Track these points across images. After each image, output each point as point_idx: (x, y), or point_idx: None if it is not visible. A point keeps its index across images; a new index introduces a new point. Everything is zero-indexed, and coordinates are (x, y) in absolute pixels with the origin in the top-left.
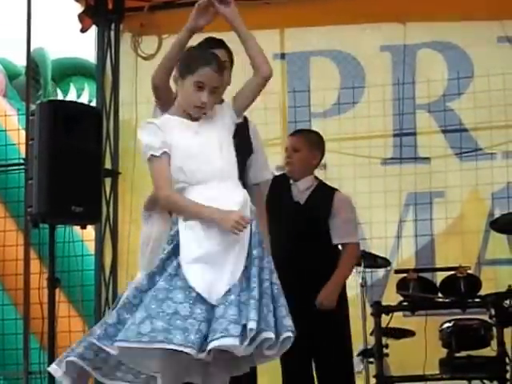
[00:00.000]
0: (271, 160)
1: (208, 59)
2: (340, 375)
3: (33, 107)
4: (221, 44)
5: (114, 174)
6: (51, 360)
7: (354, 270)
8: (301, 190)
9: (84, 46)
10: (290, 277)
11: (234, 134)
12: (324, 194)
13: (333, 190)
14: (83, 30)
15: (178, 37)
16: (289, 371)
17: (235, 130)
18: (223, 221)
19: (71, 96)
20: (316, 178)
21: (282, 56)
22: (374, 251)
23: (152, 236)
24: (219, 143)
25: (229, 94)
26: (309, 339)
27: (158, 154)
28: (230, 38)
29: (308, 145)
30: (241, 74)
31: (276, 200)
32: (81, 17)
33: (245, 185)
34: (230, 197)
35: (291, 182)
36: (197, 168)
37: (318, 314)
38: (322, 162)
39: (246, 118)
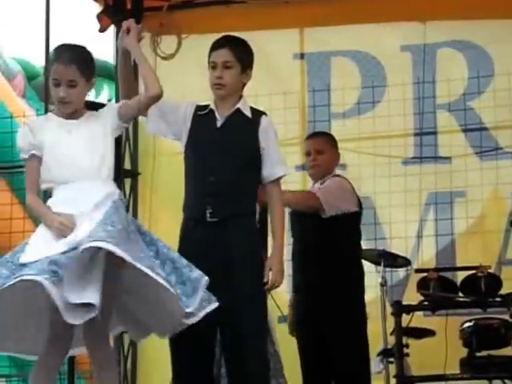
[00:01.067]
0: (290, 160)
1: (56, 55)
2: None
3: (51, 107)
4: (224, 44)
5: (134, 174)
6: (71, 361)
7: (374, 270)
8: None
9: (102, 47)
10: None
11: (235, 130)
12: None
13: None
14: (102, 30)
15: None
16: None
17: (238, 128)
18: (50, 227)
19: (90, 96)
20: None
21: (302, 56)
22: (394, 251)
23: None
24: (90, 143)
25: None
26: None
27: (26, 157)
28: (250, 38)
29: (330, 145)
30: (260, 72)
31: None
32: (99, 17)
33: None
34: (88, 197)
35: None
36: (61, 167)
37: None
38: (342, 161)
39: (260, 115)
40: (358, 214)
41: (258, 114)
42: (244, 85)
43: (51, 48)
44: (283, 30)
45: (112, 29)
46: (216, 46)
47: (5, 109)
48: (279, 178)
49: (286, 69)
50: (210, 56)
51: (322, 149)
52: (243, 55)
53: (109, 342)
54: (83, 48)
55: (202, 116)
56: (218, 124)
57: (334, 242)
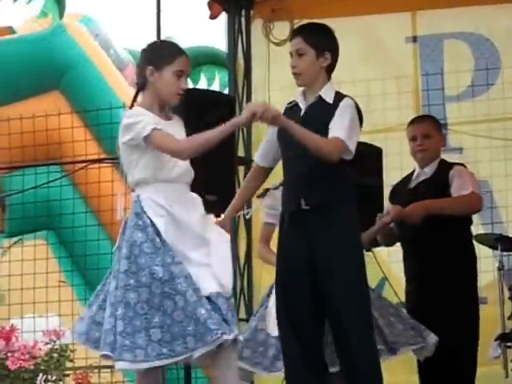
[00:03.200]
0: (406, 144)
1: (180, 49)
2: None
3: None
4: (297, 33)
5: (248, 161)
6: None
7: (491, 254)
8: (428, 174)
9: (214, 34)
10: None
11: (315, 119)
12: (443, 171)
13: (451, 166)
14: (213, 17)
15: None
16: None
17: (318, 115)
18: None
19: (202, 85)
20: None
21: (414, 39)
22: (511, 235)
23: None
24: None
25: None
26: None
27: (159, 127)
28: (361, 22)
29: (436, 129)
30: (372, 57)
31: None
32: (210, 4)
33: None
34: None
35: (416, 171)
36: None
37: None
38: (458, 145)
39: (341, 99)
40: None
41: (339, 98)
42: (328, 68)
43: (162, 37)
44: (395, 14)
45: (223, 16)
46: (291, 36)
47: (117, 98)
48: (337, 139)
49: (398, 53)
50: None
51: (428, 133)
52: (316, 39)
53: None
54: None
55: (290, 109)
56: (301, 114)
57: (449, 226)
